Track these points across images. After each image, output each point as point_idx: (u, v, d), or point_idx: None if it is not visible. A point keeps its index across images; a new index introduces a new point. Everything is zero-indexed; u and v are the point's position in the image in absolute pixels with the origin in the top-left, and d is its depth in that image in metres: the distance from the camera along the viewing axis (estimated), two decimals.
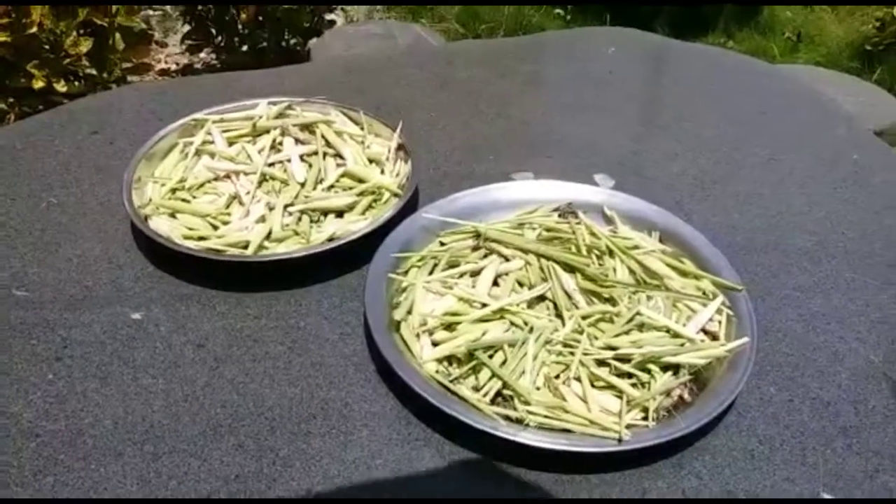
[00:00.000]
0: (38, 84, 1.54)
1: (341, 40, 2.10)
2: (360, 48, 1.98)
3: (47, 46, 1.53)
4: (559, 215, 0.87)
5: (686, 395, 0.69)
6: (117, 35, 1.68)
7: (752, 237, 0.90)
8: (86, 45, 1.58)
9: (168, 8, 2.27)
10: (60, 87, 1.56)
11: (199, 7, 2.18)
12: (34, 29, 1.48)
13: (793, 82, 1.28)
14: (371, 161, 0.95)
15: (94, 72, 1.64)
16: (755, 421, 0.69)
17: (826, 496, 0.63)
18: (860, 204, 0.97)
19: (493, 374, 0.68)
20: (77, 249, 0.85)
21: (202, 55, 2.59)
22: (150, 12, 2.43)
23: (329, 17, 2.33)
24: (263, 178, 0.91)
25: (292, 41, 2.29)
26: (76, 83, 1.62)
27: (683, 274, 0.80)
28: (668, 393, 0.68)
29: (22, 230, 0.88)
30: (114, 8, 1.63)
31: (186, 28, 2.26)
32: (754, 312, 0.75)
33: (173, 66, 2.61)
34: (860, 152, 1.07)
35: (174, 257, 0.81)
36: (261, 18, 2.16)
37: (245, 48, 2.27)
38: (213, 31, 2.25)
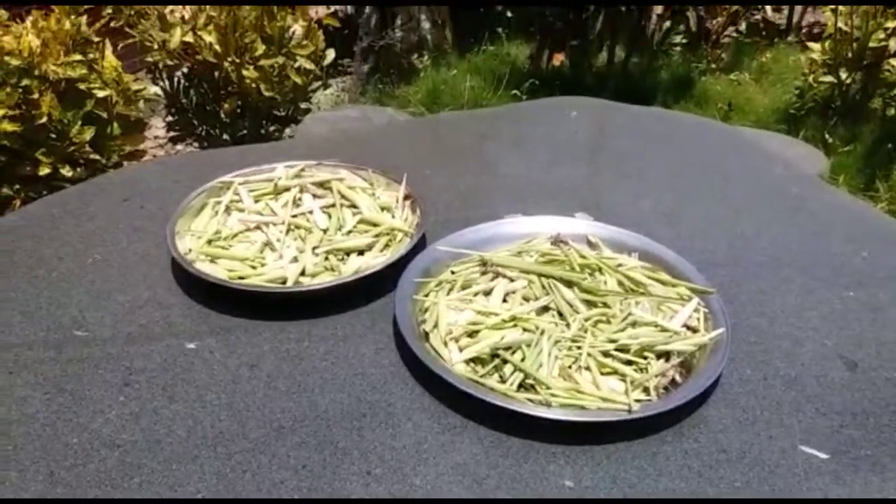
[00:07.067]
0: (44, 170, 1.64)
1: (321, 124, 2.26)
2: (341, 128, 2.14)
3: (54, 135, 1.65)
4: (551, 244, 1.01)
5: (678, 377, 0.81)
6: (115, 123, 1.81)
7: (714, 255, 1.05)
8: (89, 133, 1.70)
9: (154, 92, 2.38)
10: (66, 172, 1.67)
11: (183, 99, 2.33)
12: (43, 119, 1.60)
13: (735, 134, 1.47)
14: (382, 209, 1.09)
15: (96, 156, 1.75)
16: (737, 396, 0.82)
17: (805, 449, 0.76)
18: (803, 227, 1.13)
19: (516, 368, 0.80)
20: (127, 295, 0.95)
21: (179, 147, 2.73)
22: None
23: (304, 105, 2.51)
24: (290, 227, 1.03)
25: (271, 128, 2.45)
26: (78, 169, 1.73)
27: (662, 283, 0.94)
28: (663, 374, 0.80)
29: (73, 282, 0.97)
30: (114, 99, 1.76)
31: (169, 118, 2.40)
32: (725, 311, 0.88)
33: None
34: (798, 187, 1.25)
35: (220, 294, 0.91)
36: (240, 109, 2.31)
37: (225, 136, 2.42)
38: (195, 121, 2.39)
